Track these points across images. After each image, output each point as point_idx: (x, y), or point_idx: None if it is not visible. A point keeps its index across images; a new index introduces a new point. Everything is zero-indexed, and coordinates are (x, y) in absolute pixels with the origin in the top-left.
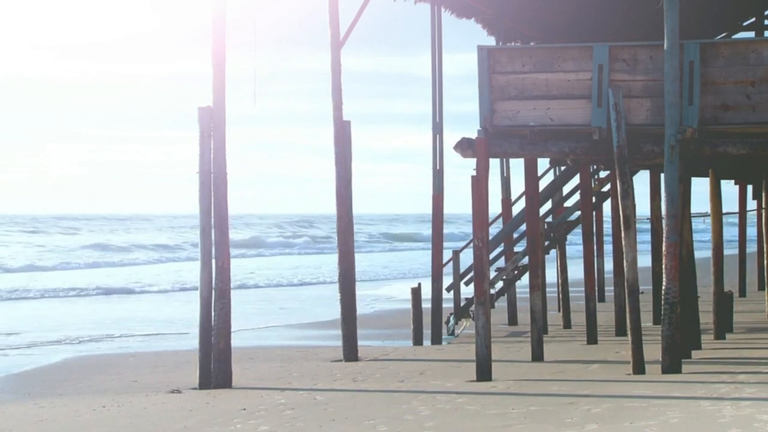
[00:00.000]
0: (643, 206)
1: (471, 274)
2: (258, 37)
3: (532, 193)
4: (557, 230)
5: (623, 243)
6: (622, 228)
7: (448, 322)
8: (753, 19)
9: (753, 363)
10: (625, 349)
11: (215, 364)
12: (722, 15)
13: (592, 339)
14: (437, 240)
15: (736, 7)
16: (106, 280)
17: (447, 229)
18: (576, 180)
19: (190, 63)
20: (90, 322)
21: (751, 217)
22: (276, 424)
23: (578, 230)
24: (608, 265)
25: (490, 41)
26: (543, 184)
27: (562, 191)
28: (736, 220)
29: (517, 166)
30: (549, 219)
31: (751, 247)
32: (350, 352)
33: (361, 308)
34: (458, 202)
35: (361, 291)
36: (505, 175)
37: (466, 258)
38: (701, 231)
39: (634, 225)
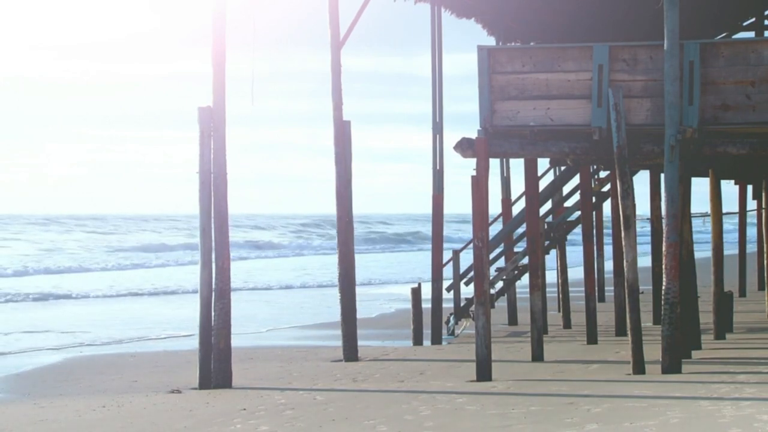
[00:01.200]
0: (643, 206)
1: (471, 274)
2: (258, 37)
3: (532, 193)
4: (557, 230)
5: (623, 243)
6: (622, 228)
7: (448, 322)
8: (753, 19)
9: (753, 363)
10: (625, 349)
11: (215, 364)
12: (722, 15)
13: (592, 339)
14: (437, 240)
15: (736, 7)
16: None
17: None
18: (576, 180)
19: (190, 63)
20: (105, 321)
21: (751, 217)
22: (276, 424)
23: (578, 230)
24: (608, 265)
25: (490, 41)
26: (543, 184)
27: (562, 191)
28: (736, 220)
29: (517, 166)
30: (549, 219)
31: (751, 247)
32: (350, 352)
33: (377, 308)
34: (458, 202)
35: (381, 290)
36: (505, 175)
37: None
38: (702, 231)
39: (634, 225)
